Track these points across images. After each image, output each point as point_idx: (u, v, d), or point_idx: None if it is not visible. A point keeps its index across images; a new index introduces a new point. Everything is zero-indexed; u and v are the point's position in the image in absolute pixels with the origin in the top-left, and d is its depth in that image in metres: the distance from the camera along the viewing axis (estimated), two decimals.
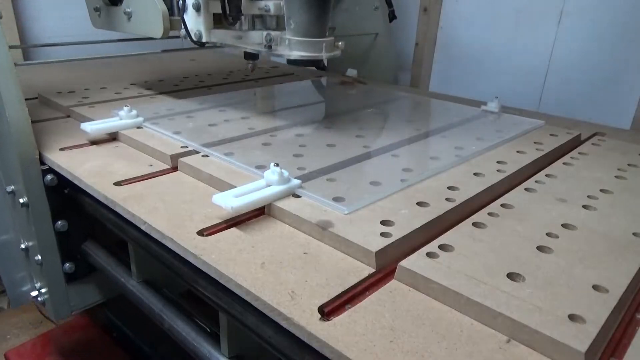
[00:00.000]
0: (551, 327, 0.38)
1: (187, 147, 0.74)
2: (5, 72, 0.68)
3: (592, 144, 0.85)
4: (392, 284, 0.46)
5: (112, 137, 0.82)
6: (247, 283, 0.44)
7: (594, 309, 0.40)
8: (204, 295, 0.52)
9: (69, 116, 0.93)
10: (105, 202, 0.62)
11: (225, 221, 0.56)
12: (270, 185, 0.59)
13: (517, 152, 0.77)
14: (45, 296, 0.80)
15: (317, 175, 0.65)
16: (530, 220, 0.56)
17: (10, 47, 0.71)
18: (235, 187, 0.59)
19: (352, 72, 1.29)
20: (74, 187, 0.70)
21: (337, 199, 0.57)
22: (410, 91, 1.25)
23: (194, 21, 0.84)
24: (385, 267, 0.48)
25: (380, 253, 0.48)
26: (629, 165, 0.75)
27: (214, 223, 0.55)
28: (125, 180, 0.66)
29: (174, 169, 0.71)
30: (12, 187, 0.75)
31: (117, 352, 1.07)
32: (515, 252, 0.49)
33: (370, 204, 0.58)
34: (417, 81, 1.59)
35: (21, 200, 0.72)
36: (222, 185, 0.63)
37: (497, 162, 0.72)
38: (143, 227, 0.56)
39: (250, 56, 0.90)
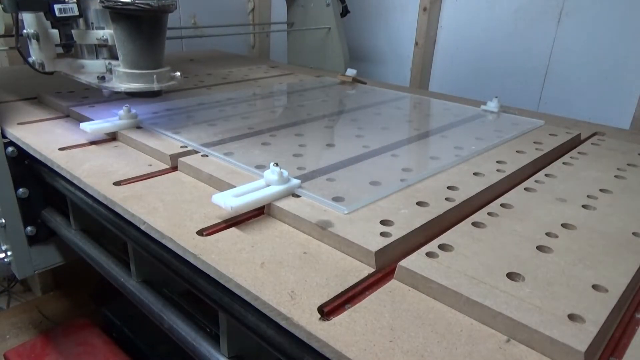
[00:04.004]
0: (551, 327, 0.38)
1: (186, 146, 0.74)
2: None
3: (592, 143, 0.85)
4: (392, 283, 0.46)
5: (112, 137, 0.82)
6: (247, 283, 0.44)
7: (593, 308, 0.40)
8: (203, 295, 0.52)
9: (68, 116, 0.93)
10: (105, 202, 0.62)
11: (225, 221, 0.56)
12: (269, 185, 0.59)
13: (517, 151, 0.77)
14: (11, 257, 0.89)
15: (317, 175, 0.65)
16: (529, 219, 0.56)
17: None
18: (235, 186, 0.59)
19: (351, 72, 1.30)
20: (33, 158, 0.77)
21: (336, 199, 0.57)
22: (410, 91, 1.25)
23: (36, 51, 0.84)
24: (385, 267, 0.48)
25: (379, 253, 0.48)
26: (628, 164, 0.75)
27: (214, 223, 0.55)
28: (125, 180, 0.66)
29: (174, 168, 0.71)
30: None
31: (117, 352, 1.07)
32: (514, 252, 0.49)
33: (370, 203, 0.58)
34: (417, 81, 1.59)
35: None
36: (222, 185, 0.63)
37: (497, 161, 0.72)
38: (142, 227, 0.56)
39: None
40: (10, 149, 0.81)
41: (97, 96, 1.02)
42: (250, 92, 1.15)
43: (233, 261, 0.48)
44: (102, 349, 1.08)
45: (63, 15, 0.75)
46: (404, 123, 0.94)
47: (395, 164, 0.71)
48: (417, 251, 0.48)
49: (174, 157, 0.71)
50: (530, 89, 1.35)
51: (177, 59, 1.55)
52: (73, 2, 0.76)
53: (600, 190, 0.65)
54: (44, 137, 0.80)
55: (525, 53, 1.34)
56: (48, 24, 0.82)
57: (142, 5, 0.69)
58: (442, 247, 0.49)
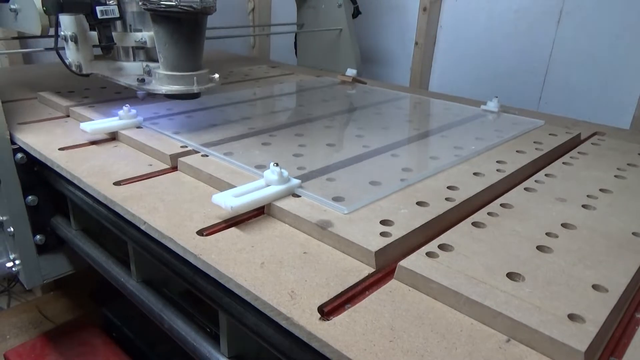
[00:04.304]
0: (551, 327, 0.38)
1: (186, 146, 0.74)
2: None
3: (592, 143, 0.85)
4: (392, 283, 0.46)
5: (112, 137, 0.82)
6: (247, 283, 0.44)
7: (593, 308, 0.40)
8: (203, 295, 0.52)
9: (68, 116, 0.93)
10: (105, 202, 0.62)
11: (225, 221, 0.56)
12: (269, 185, 0.59)
13: (517, 151, 0.77)
14: (19, 266, 0.86)
15: (317, 175, 0.65)
16: (529, 219, 0.56)
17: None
18: (235, 186, 0.59)
19: (351, 72, 1.30)
20: (42, 165, 0.75)
21: (336, 199, 0.57)
22: (410, 91, 1.25)
23: (73, 53, 0.84)
24: (385, 267, 0.48)
25: (379, 253, 0.48)
26: (628, 164, 0.75)
27: (214, 223, 0.55)
28: (125, 180, 0.66)
29: (174, 168, 0.71)
30: None
31: (117, 352, 1.07)
32: (514, 252, 0.49)
33: (370, 203, 0.58)
34: (417, 81, 1.59)
35: None
36: (222, 185, 0.63)
37: (497, 161, 0.72)
38: (143, 227, 0.56)
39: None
40: (19, 155, 0.79)
41: (97, 96, 1.02)
42: (250, 92, 1.15)
43: (233, 261, 0.48)
44: (102, 349, 1.08)
45: (104, 17, 0.75)
46: (404, 123, 0.94)
47: (395, 164, 0.71)
48: (417, 251, 0.48)
49: (174, 157, 0.71)
50: (530, 89, 1.35)
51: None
52: (114, 4, 0.75)
53: (600, 190, 0.65)
54: (44, 137, 0.80)
55: (525, 53, 1.34)
56: (86, 26, 0.82)
57: (185, 8, 0.69)
58: (442, 247, 0.49)
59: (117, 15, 0.76)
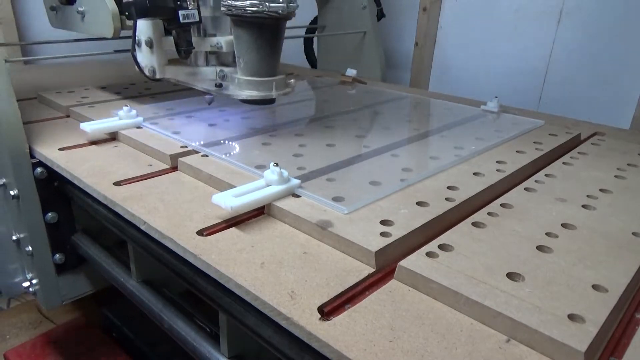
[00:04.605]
0: (551, 327, 0.38)
1: (186, 146, 0.74)
2: None
3: (592, 143, 0.85)
4: (392, 283, 0.46)
5: (112, 137, 0.82)
6: (247, 283, 0.44)
7: (593, 308, 0.40)
8: (203, 295, 0.52)
9: (68, 116, 0.93)
10: (105, 202, 0.62)
11: (225, 221, 0.56)
12: (269, 185, 0.59)
13: (517, 151, 0.77)
14: (37, 286, 0.82)
15: (317, 175, 0.65)
16: (529, 219, 0.56)
17: (3, 44, 0.71)
18: (235, 187, 0.59)
19: (351, 72, 1.30)
20: (63, 179, 0.71)
21: (336, 199, 0.57)
22: (410, 91, 1.25)
23: (147, 58, 0.83)
24: (385, 267, 0.48)
25: (379, 253, 0.48)
26: (628, 165, 0.75)
27: (214, 223, 0.55)
28: (125, 180, 0.66)
29: (174, 168, 0.71)
30: (4, 180, 0.76)
31: (117, 352, 1.07)
32: (514, 252, 0.49)
33: (370, 203, 0.58)
34: (417, 81, 1.59)
35: (12, 193, 0.73)
36: (222, 185, 0.63)
37: (497, 161, 0.72)
38: (143, 227, 0.56)
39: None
40: (39, 170, 0.74)
41: (97, 96, 1.02)
42: None
43: (233, 261, 0.48)
44: (102, 349, 1.08)
45: (186, 21, 0.74)
46: (404, 123, 0.94)
47: (395, 164, 0.71)
48: (417, 251, 0.48)
49: (174, 157, 0.71)
50: (530, 89, 1.35)
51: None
52: (194, 9, 0.75)
53: (600, 190, 0.65)
54: (44, 137, 0.80)
55: (525, 53, 1.34)
56: (162, 30, 0.81)
57: (271, 13, 0.68)
58: (442, 247, 0.49)
59: (198, 19, 0.76)
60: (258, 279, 0.45)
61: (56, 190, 0.77)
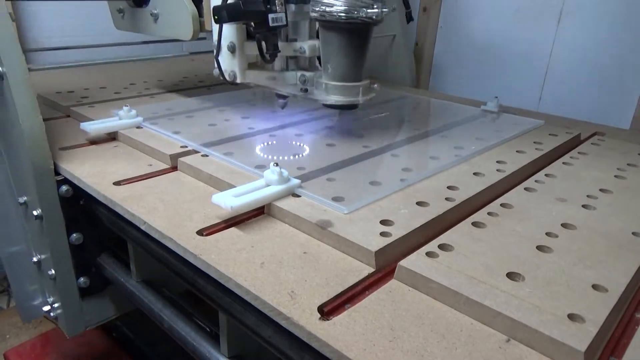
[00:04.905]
0: (550, 327, 0.38)
1: (186, 146, 0.74)
2: (19, 78, 0.65)
3: (592, 143, 0.85)
4: (392, 283, 0.46)
5: (112, 137, 0.82)
6: (247, 283, 0.44)
7: (593, 308, 0.40)
8: (203, 295, 0.52)
9: (68, 116, 0.93)
10: (105, 202, 0.62)
11: (225, 221, 0.56)
12: (269, 185, 0.59)
13: (517, 151, 0.77)
14: (59, 311, 0.77)
15: (317, 175, 0.65)
16: (529, 219, 0.56)
17: (35, 49, 0.70)
18: (235, 186, 0.59)
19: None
20: (89, 197, 0.66)
21: (336, 199, 0.57)
22: (410, 91, 1.25)
23: (228, 62, 0.82)
24: (385, 267, 0.48)
25: (379, 253, 0.48)
26: (628, 164, 0.75)
27: (214, 223, 0.55)
28: (125, 180, 0.66)
29: (174, 168, 0.71)
30: (25, 198, 0.73)
31: (117, 352, 1.07)
32: (514, 252, 0.49)
33: (369, 203, 0.58)
34: (417, 81, 1.59)
35: (35, 213, 0.69)
36: (222, 185, 0.63)
37: (497, 161, 0.72)
38: (143, 227, 0.56)
39: (282, 95, 0.88)
40: (64, 187, 0.69)
41: (96, 96, 1.02)
42: (250, 92, 1.15)
43: (233, 261, 0.48)
44: (102, 349, 1.08)
45: (275, 24, 0.73)
46: (404, 123, 0.94)
47: (395, 164, 0.71)
48: (417, 251, 0.48)
49: (174, 157, 0.71)
50: (530, 89, 1.35)
51: (177, 59, 1.55)
52: (282, 12, 0.73)
53: (600, 190, 0.65)
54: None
55: (525, 53, 1.34)
56: (245, 35, 0.80)
57: (365, 19, 0.68)
58: (442, 247, 0.49)
59: (285, 23, 0.74)
60: (258, 279, 0.45)
61: (82, 209, 0.72)
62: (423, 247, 0.49)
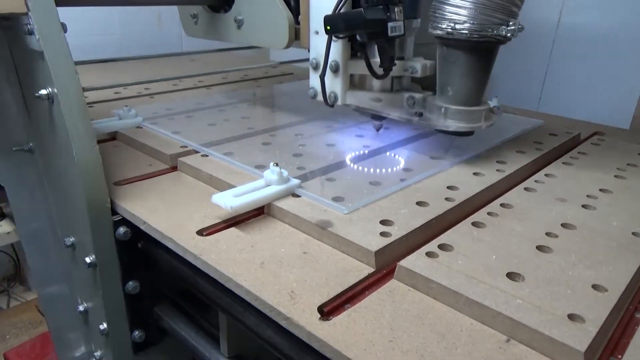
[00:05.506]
0: (550, 327, 0.38)
1: (186, 146, 0.74)
2: (73, 100, 0.55)
3: (592, 143, 0.85)
4: (392, 283, 0.46)
5: (112, 136, 0.82)
6: (247, 283, 0.44)
7: (593, 308, 0.40)
8: (203, 295, 0.52)
9: None
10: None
11: (225, 221, 0.56)
12: (269, 185, 0.59)
13: (517, 151, 0.77)
14: None
15: (317, 175, 0.65)
16: (529, 219, 0.56)
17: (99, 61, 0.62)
18: (235, 186, 0.59)
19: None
20: (149, 239, 0.57)
21: (336, 199, 0.57)
22: None
23: (329, 82, 0.74)
24: (385, 267, 0.48)
25: (379, 253, 0.48)
26: (628, 164, 0.75)
27: (214, 223, 0.55)
28: (125, 180, 0.66)
29: (174, 168, 0.71)
30: (73, 239, 0.65)
31: None
32: (514, 252, 0.49)
33: (369, 203, 0.58)
34: None
35: (87, 260, 0.60)
36: (222, 185, 0.63)
37: (497, 161, 0.72)
38: (142, 227, 0.56)
39: (378, 116, 0.80)
40: (122, 229, 0.59)
41: (97, 96, 1.02)
42: (250, 92, 1.15)
43: (233, 261, 0.48)
44: None
45: (394, 34, 0.64)
46: (404, 123, 0.94)
47: (395, 164, 0.71)
48: (417, 251, 0.48)
49: (174, 157, 0.71)
50: (530, 89, 1.35)
51: (177, 59, 1.55)
52: (401, 21, 0.65)
53: (600, 190, 0.65)
54: None
55: (525, 53, 1.34)
56: (349, 52, 0.72)
57: (498, 37, 0.61)
58: (442, 247, 0.49)
59: (403, 32, 0.66)
60: (258, 279, 0.45)
61: (140, 253, 0.62)
62: (423, 247, 0.49)
